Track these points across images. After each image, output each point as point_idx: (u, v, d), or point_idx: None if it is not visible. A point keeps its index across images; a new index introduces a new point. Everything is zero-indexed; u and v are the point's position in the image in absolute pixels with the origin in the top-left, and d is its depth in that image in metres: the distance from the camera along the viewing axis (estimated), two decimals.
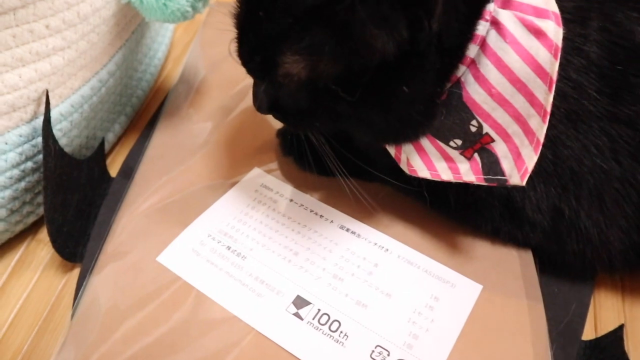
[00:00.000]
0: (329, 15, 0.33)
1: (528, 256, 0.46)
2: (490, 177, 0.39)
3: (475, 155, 0.39)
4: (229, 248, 0.44)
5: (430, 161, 0.40)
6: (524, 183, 0.37)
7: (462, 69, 0.37)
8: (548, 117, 0.36)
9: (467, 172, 0.39)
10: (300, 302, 0.41)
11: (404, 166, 0.42)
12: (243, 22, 0.38)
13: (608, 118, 0.39)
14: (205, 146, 0.52)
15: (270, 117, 0.43)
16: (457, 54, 0.36)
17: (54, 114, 0.41)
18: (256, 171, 0.50)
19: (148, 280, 0.42)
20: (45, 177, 0.40)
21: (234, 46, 0.40)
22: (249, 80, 0.41)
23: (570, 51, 0.38)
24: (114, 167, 0.51)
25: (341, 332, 0.40)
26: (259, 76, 0.39)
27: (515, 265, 0.45)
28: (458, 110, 0.37)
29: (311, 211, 0.47)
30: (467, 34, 0.36)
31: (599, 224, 0.42)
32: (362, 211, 0.47)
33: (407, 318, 0.41)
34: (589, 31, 0.38)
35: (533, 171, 0.40)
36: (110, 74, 0.45)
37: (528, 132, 0.36)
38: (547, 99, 0.35)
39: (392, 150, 0.43)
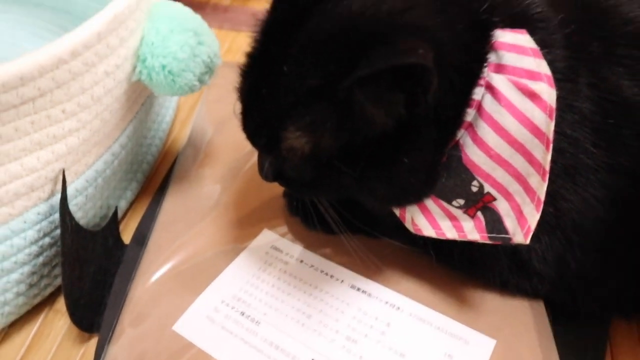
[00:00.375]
0: (329, 94, 0.34)
1: (540, 307, 0.46)
2: (494, 235, 0.39)
3: (479, 213, 0.40)
4: (242, 314, 0.45)
5: (435, 220, 0.41)
6: (527, 241, 0.38)
7: (460, 132, 0.38)
8: (547, 175, 0.37)
9: (472, 230, 0.40)
10: None
11: (409, 225, 0.43)
12: (247, 97, 0.39)
13: (605, 170, 0.40)
14: (215, 209, 0.53)
15: None
16: (454, 123, 0.37)
17: (69, 190, 0.43)
18: (266, 233, 0.51)
19: (165, 349, 0.43)
20: (62, 254, 0.41)
21: (238, 106, 0.41)
22: None
23: (564, 108, 0.39)
24: (127, 233, 0.52)
25: None
26: (264, 150, 0.41)
27: (527, 317, 0.46)
28: (458, 172, 0.39)
29: (322, 272, 0.48)
30: (463, 103, 0.37)
31: (607, 274, 0.43)
32: (373, 268, 0.48)
33: None
34: (579, 88, 0.39)
35: (538, 224, 0.41)
36: (123, 146, 0.47)
37: (529, 190, 0.38)
38: (545, 158, 0.37)
39: (396, 210, 0.44)
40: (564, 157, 0.40)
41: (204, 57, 0.44)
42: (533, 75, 0.36)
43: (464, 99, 0.37)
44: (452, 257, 0.45)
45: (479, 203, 0.39)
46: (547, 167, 0.37)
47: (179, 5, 0.46)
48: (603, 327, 0.48)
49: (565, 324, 0.47)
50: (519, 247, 0.43)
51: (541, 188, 0.37)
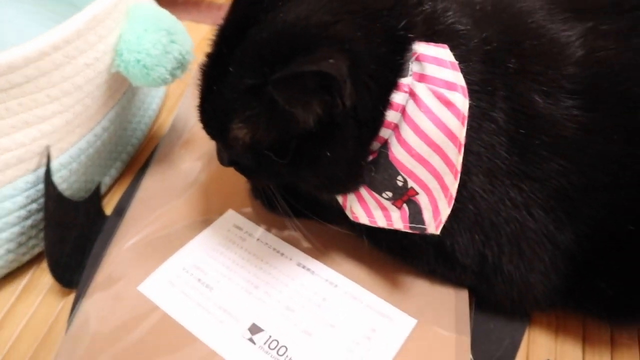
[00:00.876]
0: (262, 93, 0.40)
1: (464, 294, 0.51)
2: (414, 225, 0.44)
3: (404, 205, 0.45)
4: (199, 280, 0.51)
5: (369, 209, 0.46)
6: (438, 232, 0.43)
7: (388, 132, 0.43)
8: (459, 175, 0.42)
9: (397, 220, 0.45)
10: (254, 329, 0.48)
11: (348, 213, 0.48)
12: (202, 93, 0.45)
13: (518, 175, 0.45)
14: (190, 188, 0.60)
15: None
16: (375, 123, 0.42)
17: (54, 164, 0.50)
18: (230, 212, 0.57)
19: (130, 307, 0.50)
20: (45, 218, 0.48)
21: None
22: None
23: (481, 116, 0.43)
24: (110, 207, 0.59)
25: (287, 356, 0.46)
26: (216, 139, 0.47)
27: (450, 303, 0.50)
28: (386, 167, 0.43)
29: (274, 249, 0.54)
30: (381, 106, 0.41)
31: (519, 268, 0.47)
32: (320, 250, 0.54)
33: (346, 347, 0.47)
34: (495, 100, 0.44)
35: (460, 220, 0.46)
36: (105, 129, 0.54)
37: (444, 187, 0.42)
38: (458, 160, 0.41)
39: (340, 198, 0.49)
40: (482, 160, 0.45)
41: (176, 54, 0.50)
42: (450, 86, 0.40)
43: (382, 103, 0.41)
44: (383, 243, 0.50)
45: (404, 196, 0.44)
46: (459, 168, 0.41)
47: (156, 6, 0.52)
48: (524, 318, 0.52)
49: (490, 312, 0.52)
50: (444, 239, 0.48)
51: (453, 186, 0.42)
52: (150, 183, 0.60)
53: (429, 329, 0.49)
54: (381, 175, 0.44)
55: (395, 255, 0.52)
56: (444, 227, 0.45)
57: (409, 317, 0.49)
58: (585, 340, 0.52)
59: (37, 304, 0.53)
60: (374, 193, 0.45)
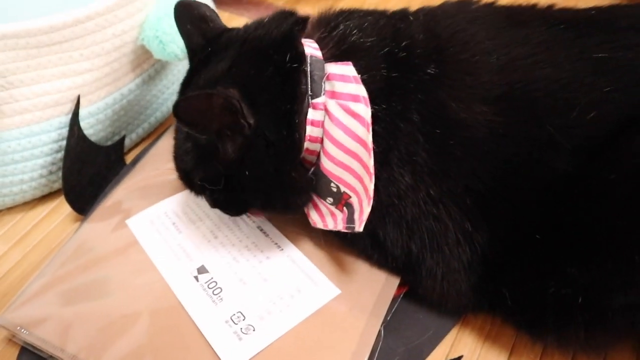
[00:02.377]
0: (188, 134, 0.50)
1: (393, 282, 0.55)
2: (349, 225, 0.49)
3: (345, 208, 0.50)
4: (174, 223, 0.61)
5: (322, 215, 0.52)
6: (361, 229, 0.47)
7: (318, 146, 0.49)
8: (373, 177, 0.46)
9: (340, 222, 0.50)
10: (202, 269, 0.56)
11: (310, 220, 0.54)
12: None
13: (437, 173, 0.48)
14: None
15: None
16: (288, 142, 0.48)
17: (83, 112, 0.62)
18: None
19: (116, 237, 0.60)
20: (65, 150, 0.61)
21: None
22: None
23: (398, 117, 0.48)
24: (131, 159, 0.71)
25: (219, 296, 0.54)
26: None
27: (377, 286, 0.55)
28: (320, 177, 0.49)
29: None
30: (284, 128, 0.47)
31: (439, 264, 0.51)
32: (281, 219, 0.61)
33: (270, 299, 0.53)
34: (409, 102, 0.48)
35: (389, 214, 0.50)
36: (131, 91, 0.66)
37: (365, 189, 0.47)
38: (369, 162, 0.46)
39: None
40: (404, 158, 0.48)
41: None
42: (354, 98, 0.46)
43: (286, 124, 0.47)
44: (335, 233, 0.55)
45: (342, 200, 0.49)
46: (372, 170, 0.46)
47: None
48: (453, 318, 0.55)
49: (420, 305, 0.55)
50: (377, 230, 0.52)
51: (371, 185, 0.46)
52: (165, 143, 0.71)
53: (347, 302, 0.53)
54: (320, 184, 0.50)
55: (341, 239, 0.57)
56: (378, 219, 0.50)
57: (333, 287, 0.54)
58: (513, 353, 0.53)
59: (55, 224, 0.66)
60: (322, 200, 0.51)
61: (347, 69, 0.47)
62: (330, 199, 0.50)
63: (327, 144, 0.47)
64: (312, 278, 0.55)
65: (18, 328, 0.53)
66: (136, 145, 0.73)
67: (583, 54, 0.46)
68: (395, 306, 0.55)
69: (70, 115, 0.62)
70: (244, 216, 0.61)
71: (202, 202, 0.63)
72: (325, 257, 0.57)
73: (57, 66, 0.59)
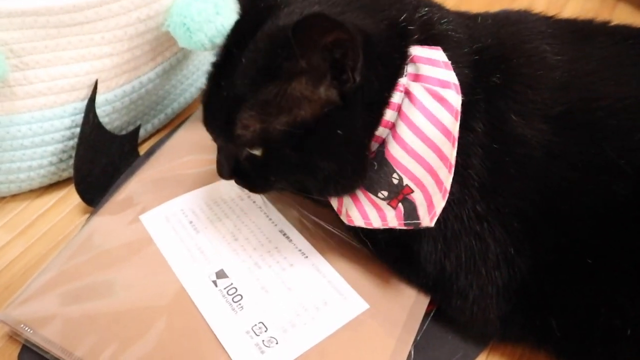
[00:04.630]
0: (276, 72, 0.43)
1: (424, 299, 0.52)
2: (408, 221, 0.45)
3: (400, 205, 0.46)
4: (191, 222, 0.57)
5: (365, 211, 0.47)
6: (432, 224, 0.44)
7: (385, 132, 0.45)
8: (453, 168, 0.43)
9: (392, 219, 0.46)
10: (221, 274, 0.53)
11: (343, 217, 0.49)
12: (208, 95, 0.48)
13: (487, 189, 0.45)
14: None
15: None
16: (379, 111, 0.43)
17: (100, 99, 0.59)
18: None
19: (128, 233, 0.56)
20: (79, 138, 0.57)
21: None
22: None
23: (461, 124, 0.43)
24: (145, 150, 0.68)
25: (240, 304, 0.51)
26: (220, 134, 0.48)
27: (407, 302, 0.52)
28: (382, 165, 0.45)
29: (264, 213, 0.59)
30: (385, 92, 0.43)
31: (473, 287, 0.47)
32: (305, 223, 0.58)
33: (294, 310, 0.50)
34: (476, 110, 0.45)
35: (425, 229, 0.46)
36: (150, 80, 0.62)
37: (438, 182, 0.43)
38: (452, 154, 0.42)
39: (334, 203, 0.50)
40: (456, 168, 0.44)
41: (218, 24, 0.57)
42: (443, 84, 0.42)
43: (388, 89, 0.43)
44: (360, 236, 0.52)
45: (399, 195, 0.45)
46: (453, 162, 0.43)
47: None
48: (483, 342, 0.52)
49: (450, 325, 0.52)
50: (409, 242, 0.49)
51: (447, 179, 0.43)
52: (183, 135, 0.67)
53: (376, 318, 0.50)
54: (378, 174, 0.45)
55: (370, 250, 0.54)
56: (412, 231, 0.46)
57: (362, 301, 0.51)
58: None
59: (62, 215, 0.63)
60: (369, 194, 0.46)
61: (436, 53, 0.44)
62: (384, 193, 0.45)
63: (402, 129, 0.43)
64: (339, 290, 0.52)
65: (21, 326, 0.49)
66: (151, 136, 0.69)
67: None
68: (426, 325, 0.52)
69: (85, 102, 0.58)
70: (265, 217, 0.58)
71: (222, 200, 0.60)
72: (352, 268, 0.54)
73: (77, 48, 0.55)
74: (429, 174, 0.43)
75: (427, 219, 0.44)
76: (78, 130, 0.60)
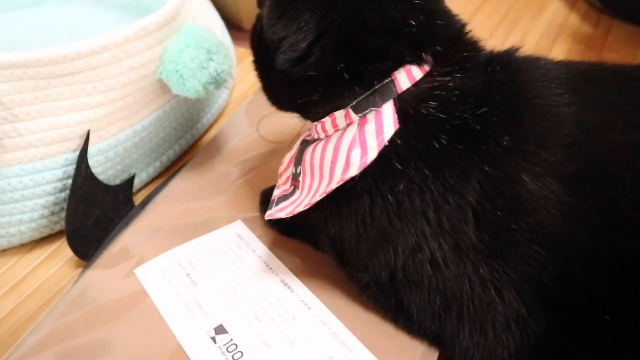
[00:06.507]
0: None
1: (432, 353, 0.49)
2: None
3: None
4: (188, 275, 0.55)
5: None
6: (266, 218, 0.51)
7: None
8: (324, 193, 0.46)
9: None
10: (220, 330, 0.50)
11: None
12: None
13: (489, 254, 0.42)
14: (216, 195, 0.64)
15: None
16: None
17: (93, 149, 0.57)
18: (238, 223, 0.61)
19: (123, 288, 0.54)
20: (71, 190, 0.55)
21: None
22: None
23: (447, 189, 0.42)
24: (140, 200, 0.66)
25: None
26: None
27: (416, 355, 0.49)
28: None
29: (264, 263, 0.56)
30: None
31: (479, 348, 0.44)
32: (307, 270, 0.55)
33: None
34: (470, 176, 0.42)
35: (413, 280, 0.45)
36: (144, 128, 0.61)
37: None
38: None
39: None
40: (443, 229, 0.43)
41: (211, 71, 0.56)
42: (378, 134, 0.43)
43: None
44: (353, 278, 0.51)
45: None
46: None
47: (206, 29, 0.59)
48: None
49: None
50: (399, 292, 0.47)
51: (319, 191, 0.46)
52: (180, 183, 0.66)
53: None
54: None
55: (367, 296, 0.51)
56: (401, 281, 0.46)
57: (370, 354, 0.48)
58: None
59: (55, 270, 0.60)
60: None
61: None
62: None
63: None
64: (346, 343, 0.49)
65: None
66: (146, 185, 0.67)
67: None
68: None
69: (77, 153, 0.56)
70: (266, 267, 0.56)
71: (220, 250, 0.58)
72: (359, 318, 0.51)
73: (68, 99, 0.54)
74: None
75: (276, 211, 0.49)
76: (70, 182, 0.58)
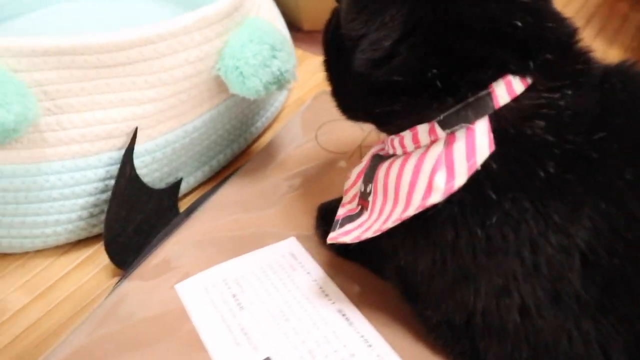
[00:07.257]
0: None
1: None
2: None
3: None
4: (234, 296, 0.49)
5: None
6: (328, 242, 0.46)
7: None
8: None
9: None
10: None
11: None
12: None
13: (597, 308, 0.35)
14: (267, 207, 0.58)
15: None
16: None
17: (139, 149, 0.52)
18: (291, 240, 0.55)
19: (160, 303, 0.49)
20: (113, 193, 0.50)
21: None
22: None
23: (550, 226, 0.35)
24: (185, 206, 0.60)
25: None
26: None
27: None
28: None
29: (320, 287, 0.50)
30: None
31: None
32: (367, 300, 0.49)
33: None
34: (580, 214, 0.35)
35: (491, 325, 0.39)
36: (196, 128, 0.55)
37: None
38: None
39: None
40: (537, 273, 0.36)
41: (274, 69, 0.51)
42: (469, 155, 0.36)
43: None
44: (420, 314, 0.45)
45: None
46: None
47: (269, 24, 0.53)
48: None
49: None
50: (474, 336, 0.41)
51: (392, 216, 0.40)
52: (229, 191, 0.60)
53: None
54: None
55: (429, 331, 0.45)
56: (474, 324, 0.40)
57: None
58: None
59: (89, 276, 0.55)
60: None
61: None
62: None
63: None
64: None
65: None
66: (192, 190, 0.62)
67: None
68: None
69: (122, 151, 0.51)
70: (322, 293, 0.49)
71: (271, 270, 0.52)
72: (423, 353, 0.45)
73: (116, 92, 0.49)
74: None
75: (340, 235, 0.44)
76: (111, 182, 0.53)
